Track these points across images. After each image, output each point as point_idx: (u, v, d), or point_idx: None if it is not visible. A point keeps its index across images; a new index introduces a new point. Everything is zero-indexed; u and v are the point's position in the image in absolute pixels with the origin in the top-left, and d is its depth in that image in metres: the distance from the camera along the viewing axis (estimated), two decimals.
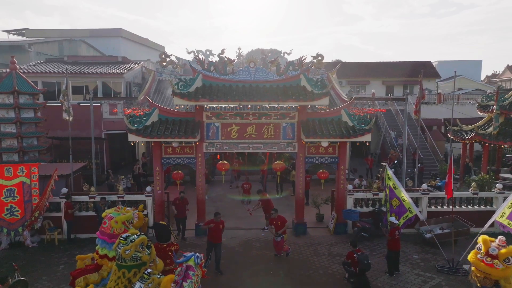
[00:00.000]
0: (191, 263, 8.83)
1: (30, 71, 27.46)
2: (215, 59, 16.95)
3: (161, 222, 12.71)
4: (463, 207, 17.37)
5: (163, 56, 19.44)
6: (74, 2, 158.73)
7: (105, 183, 22.82)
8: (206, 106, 15.96)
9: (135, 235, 9.66)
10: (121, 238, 9.57)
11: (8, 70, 20.91)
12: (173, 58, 20.73)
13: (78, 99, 27.57)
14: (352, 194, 17.27)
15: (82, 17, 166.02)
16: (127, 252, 9.26)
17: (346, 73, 42.39)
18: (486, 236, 10.04)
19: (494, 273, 9.54)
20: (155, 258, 10.20)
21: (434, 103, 36.61)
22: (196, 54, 16.94)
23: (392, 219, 13.40)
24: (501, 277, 9.50)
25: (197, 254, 9.06)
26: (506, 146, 22.61)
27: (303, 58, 16.29)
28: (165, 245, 11.24)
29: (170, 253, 11.03)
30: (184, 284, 8.62)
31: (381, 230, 16.12)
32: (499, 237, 9.99)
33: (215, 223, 13.59)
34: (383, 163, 17.89)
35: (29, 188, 15.65)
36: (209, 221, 13.95)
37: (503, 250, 9.56)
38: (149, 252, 9.70)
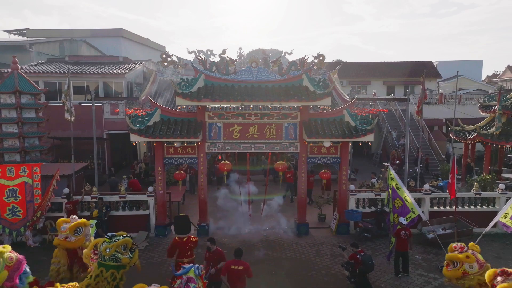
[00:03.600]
0: (191, 274, 8.39)
1: (32, 71, 27.42)
2: (216, 59, 16.93)
3: (180, 214, 12.89)
4: (466, 207, 17.35)
5: (164, 56, 19.36)
6: (73, 2, 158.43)
7: (107, 181, 22.63)
8: (208, 106, 15.94)
9: (121, 236, 9.54)
10: (106, 236, 9.45)
11: (9, 70, 20.91)
12: (174, 58, 20.63)
13: (80, 99, 27.53)
14: (354, 195, 17.25)
15: (82, 17, 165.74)
16: (107, 250, 9.11)
17: (347, 73, 42.33)
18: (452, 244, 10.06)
19: (445, 273, 9.76)
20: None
21: (436, 103, 36.59)
22: (197, 54, 16.86)
23: (402, 219, 13.29)
24: (450, 277, 9.67)
25: (197, 265, 8.72)
26: (508, 146, 22.52)
27: (305, 58, 16.26)
28: (185, 239, 11.70)
29: (191, 244, 11.72)
30: None
31: (384, 230, 16.14)
32: (460, 243, 9.96)
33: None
34: (386, 164, 17.83)
35: (31, 188, 15.62)
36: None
37: (448, 255, 9.68)
38: (131, 256, 9.55)
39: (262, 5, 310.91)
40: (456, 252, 9.56)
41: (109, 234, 9.54)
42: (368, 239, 16.16)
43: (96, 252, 9.98)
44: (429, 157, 28.40)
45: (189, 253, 11.61)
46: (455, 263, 9.45)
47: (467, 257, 9.37)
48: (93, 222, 14.60)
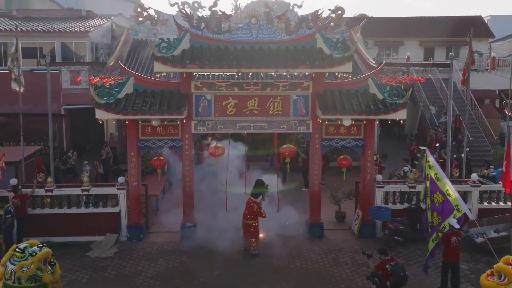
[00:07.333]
0: None
1: None
2: (205, 13, 16.83)
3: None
4: None
5: (139, 10, 19.19)
6: None
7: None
8: (195, 74, 15.79)
9: (36, 247, 9.28)
10: (17, 250, 9.14)
11: None
12: (151, 12, 20.54)
13: (31, 64, 27.34)
14: (382, 187, 17.17)
15: None
16: (24, 269, 8.80)
17: (373, 32, 41.93)
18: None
19: (483, 282, 9.77)
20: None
21: (487, 69, 36.37)
22: (182, 7, 16.70)
23: (454, 222, 13.09)
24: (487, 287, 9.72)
25: None
26: None
27: (319, 13, 16.08)
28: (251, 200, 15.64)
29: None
30: None
31: (419, 233, 16.04)
32: None
33: None
34: (422, 147, 17.66)
35: None
36: None
37: (501, 265, 9.59)
38: (52, 270, 9.32)
39: None
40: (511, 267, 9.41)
41: (21, 246, 9.28)
42: (399, 244, 16.16)
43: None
44: (473, 148, 27.98)
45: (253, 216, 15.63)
46: (502, 277, 9.33)
47: None
48: None
